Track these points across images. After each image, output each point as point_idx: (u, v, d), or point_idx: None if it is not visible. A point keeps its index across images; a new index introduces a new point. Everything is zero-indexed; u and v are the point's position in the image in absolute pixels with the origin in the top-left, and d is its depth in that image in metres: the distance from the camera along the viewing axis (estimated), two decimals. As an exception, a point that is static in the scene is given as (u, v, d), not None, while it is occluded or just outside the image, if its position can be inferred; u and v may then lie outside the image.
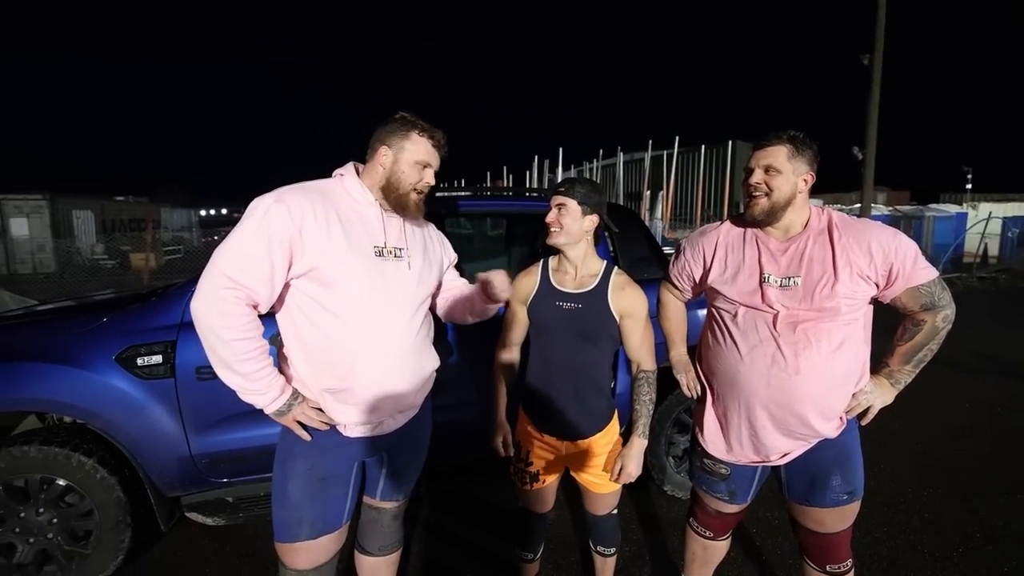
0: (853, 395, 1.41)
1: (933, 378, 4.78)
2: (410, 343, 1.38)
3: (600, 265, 1.62)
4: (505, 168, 22.28)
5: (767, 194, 1.38)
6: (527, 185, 19.87)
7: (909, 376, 1.44)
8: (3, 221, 15.18)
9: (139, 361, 1.92)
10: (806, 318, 1.36)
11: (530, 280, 1.63)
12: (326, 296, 1.27)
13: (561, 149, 16.44)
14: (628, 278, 1.62)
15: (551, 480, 1.69)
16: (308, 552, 1.35)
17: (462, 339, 2.24)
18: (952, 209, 16.16)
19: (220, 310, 1.18)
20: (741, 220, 1.50)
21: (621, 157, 16.43)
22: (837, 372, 1.38)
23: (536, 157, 19.09)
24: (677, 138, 14.35)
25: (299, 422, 1.32)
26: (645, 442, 1.59)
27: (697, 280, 1.60)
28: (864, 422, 1.46)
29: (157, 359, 1.93)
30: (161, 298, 2.09)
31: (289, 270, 1.24)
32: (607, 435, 1.63)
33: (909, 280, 1.35)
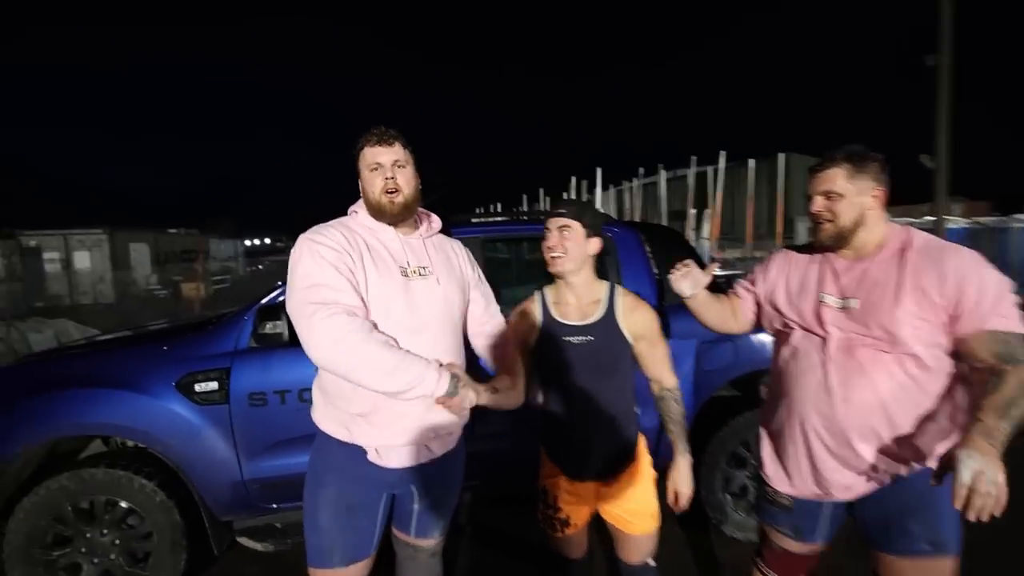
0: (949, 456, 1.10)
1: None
2: (442, 357, 1.38)
3: (603, 288, 1.56)
4: (542, 191, 22.46)
5: (831, 220, 1.37)
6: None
7: (1004, 434, 1.09)
8: (67, 254, 16.64)
9: (197, 387, 2.08)
10: (862, 343, 1.33)
11: (530, 319, 1.55)
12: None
13: (599, 169, 16.46)
14: (635, 296, 1.58)
15: (583, 523, 1.65)
16: None
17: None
18: (1042, 219, 14.99)
19: (325, 331, 1.20)
20: (813, 245, 1.48)
21: (663, 174, 16.27)
22: (897, 405, 1.30)
23: (573, 179, 19.14)
24: (723, 153, 14.11)
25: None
26: (690, 459, 1.56)
27: (762, 295, 1.58)
28: (959, 504, 1.05)
29: (213, 386, 2.08)
30: (217, 326, 2.26)
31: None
32: (639, 463, 1.59)
33: (983, 319, 1.21)
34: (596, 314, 1.51)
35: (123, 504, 2.10)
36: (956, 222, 13.36)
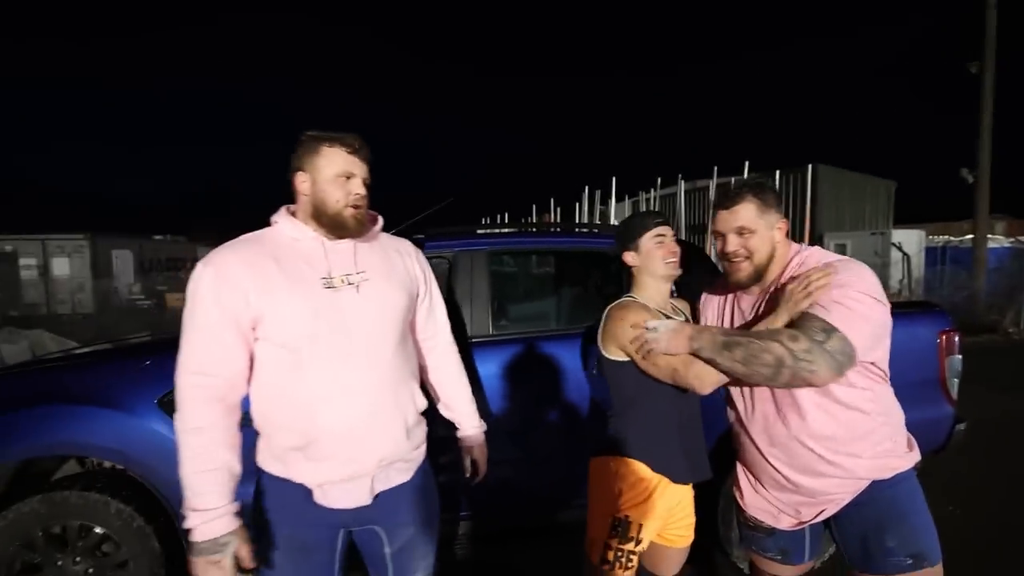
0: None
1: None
2: (380, 380, 1.35)
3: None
4: (552, 200, 22.41)
5: (748, 257, 1.42)
6: (576, 219, 19.75)
7: (711, 351, 1.34)
8: (45, 260, 16.76)
9: (182, 405, 2.08)
10: None
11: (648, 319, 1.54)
12: (277, 343, 1.29)
13: (614, 179, 16.38)
14: None
15: None
16: None
17: (501, 384, 2.28)
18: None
19: (188, 404, 1.28)
20: (724, 284, 1.57)
21: (682, 185, 16.21)
22: (828, 424, 1.38)
23: (587, 188, 19.12)
24: (747, 163, 14.07)
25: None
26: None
27: None
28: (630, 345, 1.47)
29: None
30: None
31: (247, 330, 1.29)
32: None
33: (799, 305, 1.33)
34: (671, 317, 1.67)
35: (98, 530, 2.04)
36: (998, 241, 13.27)
